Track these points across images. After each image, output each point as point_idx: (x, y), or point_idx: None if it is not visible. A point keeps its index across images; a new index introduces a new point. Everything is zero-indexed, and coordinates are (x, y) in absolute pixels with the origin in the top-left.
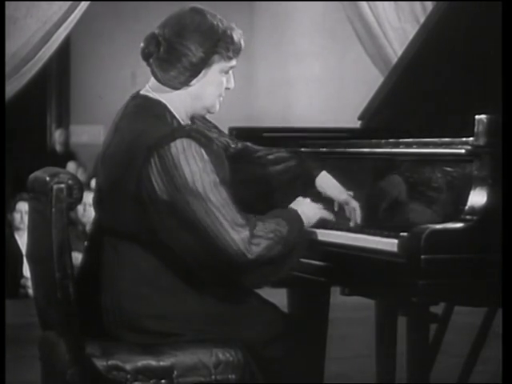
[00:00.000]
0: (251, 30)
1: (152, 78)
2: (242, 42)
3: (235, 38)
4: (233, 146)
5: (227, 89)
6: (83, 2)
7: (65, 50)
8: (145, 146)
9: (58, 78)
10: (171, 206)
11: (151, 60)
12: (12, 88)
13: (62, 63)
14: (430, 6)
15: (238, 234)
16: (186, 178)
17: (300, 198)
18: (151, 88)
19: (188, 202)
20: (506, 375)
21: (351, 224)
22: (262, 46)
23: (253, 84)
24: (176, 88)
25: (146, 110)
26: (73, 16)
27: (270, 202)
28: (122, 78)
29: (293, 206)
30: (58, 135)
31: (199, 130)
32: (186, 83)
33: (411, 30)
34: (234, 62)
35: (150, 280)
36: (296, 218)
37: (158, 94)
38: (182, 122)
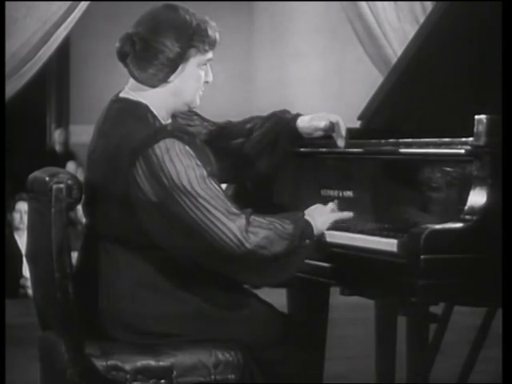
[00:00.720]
0: (251, 30)
1: (130, 79)
2: (217, 35)
3: (209, 31)
4: (215, 127)
5: (206, 82)
6: (83, 2)
7: (64, 50)
8: (129, 150)
9: (57, 78)
10: (161, 208)
11: (128, 60)
12: (12, 88)
13: (61, 63)
14: (429, 6)
15: (234, 222)
16: (172, 177)
17: (312, 207)
18: (130, 89)
19: (177, 201)
20: (506, 375)
21: (340, 143)
22: (261, 46)
23: (252, 84)
24: (155, 86)
25: (127, 112)
26: (72, 16)
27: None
28: (121, 78)
29: (305, 212)
30: (57, 135)
31: (181, 128)
32: (164, 80)
33: (411, 30)
34: (210, 55)
35: (146, 282)
36: (300, 217)
37: (137, 94)
38: (163, 121)
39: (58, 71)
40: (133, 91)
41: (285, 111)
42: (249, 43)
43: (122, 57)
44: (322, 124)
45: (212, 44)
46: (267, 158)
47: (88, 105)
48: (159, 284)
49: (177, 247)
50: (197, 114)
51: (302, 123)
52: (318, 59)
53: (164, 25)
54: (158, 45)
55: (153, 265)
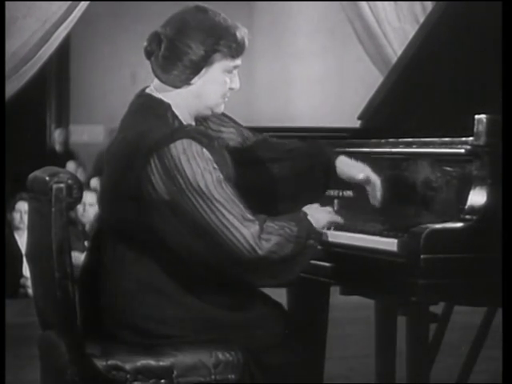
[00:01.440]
0: (251, 30)
1: (155, 80)
2: (246, 41)
3: (238, 36)
4: (253, 138)
5: (231, 89)
6: (83, 2)
7: (64, 49)
8: (145, 148)
9: (57, 77)
10: (173, 207)
11: (152, 58)
12: (12, 88)
13: (61, 63)
14: (429, 6)
15: (248, 228)
16: (188, 178)
17: (308, 205)
18: (155, 87)
19: (192, 203)
20: (506, 375)
21: (375, 203)
22: (261, 46)
23: (252, 84)
24: (177, 86)
25: (147, 109)
26: (72, 16)
27: (280, 205)
28: (121, 77)
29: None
30: (57, 135)
31: (199, 130)
32: (186, 81)
33: (411, 30)
34: (238, 62)
35: (150, 283)
36: (304, 218)
37: (161, 93)
38: (185, 123)
39: (58, 71)
40: (157, 89)
41: (326, 144)
42: (249, 43)
43: (148, 54)
44: (360, 177)
45: (240, 50)
46: (299, 186)
47: (88, 105)
48: (163, 286)
49: (187, 247)
50: (233, 121)
51: (341, 165)
52: (318, 59)
53: (190, 26)
54: (183, 46)
55: (158, 266)
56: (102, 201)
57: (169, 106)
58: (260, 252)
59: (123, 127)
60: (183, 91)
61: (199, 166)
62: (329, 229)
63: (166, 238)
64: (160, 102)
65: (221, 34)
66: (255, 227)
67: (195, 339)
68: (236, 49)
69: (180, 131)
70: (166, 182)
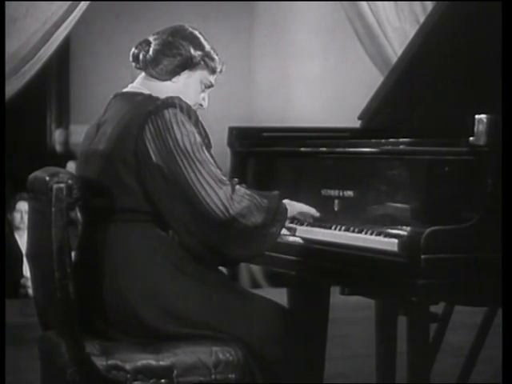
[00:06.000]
0: (251, 30)
1: (137, 79)
2: (223, 68)
3: (217, 60)
4: None
5: (200, 105)
6: (83, 2)
7: (64, 49)
8: (140, 116)
9: (57, 77)
10: (163, 169)
11: (141, 55)
12: (12, 88)
13: (61, 63)
14: (429, 5)
15: (221, 188)
16: (176, 139)
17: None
18: (136, 83)
19: (177, 162)
20: (506, 375)
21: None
22: (261, 46)
23: (252, 84)
24: (163, 79)
25: (131, 98)
26: (72, 16)
27: None
28: (121, 77)
29: None
30: (57, 135)
31: (187, 103)
32: (172, 74)
33: (411, 30)
34: (212, 80)
35: (148, 266)
36: (275, 195)
37: (141, 87)
38: None
39: (58, 71)
40: (139, 84)
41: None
42: (249, 43)
43: (135, 57)
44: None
45: (217, 70)
46: None
47: (88, 105)
48: (161, 268)
49: (174, 211)
50: None
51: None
52: (318, 59)
53: (183, 34)
54: (175, 43)
55: (157, 248)
56: (91, 198)
57: (150, 94)
58: (231, 212)
59: (104, 121)
60: (163, 87)
61: (186, 129)
62: (305, 222)
63: (160, 204)
64: (140, 93)
65: (208, 51)
66: (228, 188)
67: (194, 330)
68: (217, 65)
69: (171, 101)
70: (157, 144)
